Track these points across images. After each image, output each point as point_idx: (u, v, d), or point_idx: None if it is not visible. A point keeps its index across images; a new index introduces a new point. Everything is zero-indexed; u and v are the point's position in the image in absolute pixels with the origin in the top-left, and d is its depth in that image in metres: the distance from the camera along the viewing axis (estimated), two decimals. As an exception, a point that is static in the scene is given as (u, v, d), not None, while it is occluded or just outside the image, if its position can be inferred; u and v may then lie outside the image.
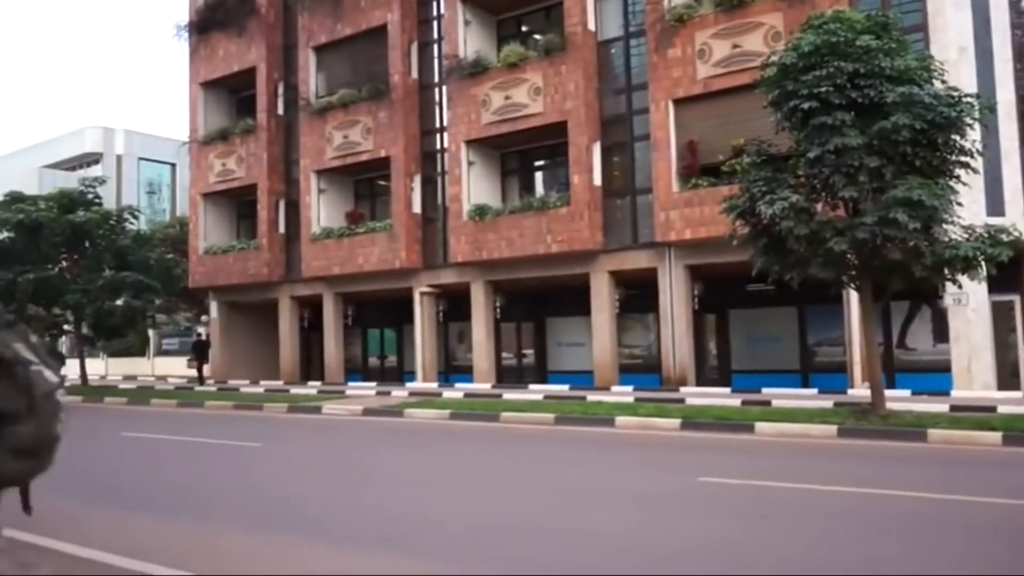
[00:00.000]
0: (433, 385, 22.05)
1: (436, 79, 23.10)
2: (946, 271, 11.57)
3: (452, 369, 24.45)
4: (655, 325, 20.07)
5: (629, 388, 18.53)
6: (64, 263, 24.85)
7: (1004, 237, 11.33)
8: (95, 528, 6.61)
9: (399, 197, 22.76)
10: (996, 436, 10.39)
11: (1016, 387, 15.75)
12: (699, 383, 18.92)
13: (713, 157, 17.58)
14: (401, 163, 22.71)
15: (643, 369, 20.56)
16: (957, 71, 14.49)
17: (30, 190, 29.56)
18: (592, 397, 16.68)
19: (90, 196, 25.00)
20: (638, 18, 19.77)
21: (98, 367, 33.74)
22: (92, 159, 51.82)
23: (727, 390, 17.83)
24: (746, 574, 5.10)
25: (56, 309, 24.49)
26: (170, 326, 35.91)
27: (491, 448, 11.61)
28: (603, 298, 19.86)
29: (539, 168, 22.85)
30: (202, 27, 27.69)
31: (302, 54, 25.19)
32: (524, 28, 22.66)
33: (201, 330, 31.58)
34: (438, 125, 23.01)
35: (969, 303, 15.55)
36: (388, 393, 20.10)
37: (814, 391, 17.01)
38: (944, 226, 11.39)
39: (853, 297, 15.06)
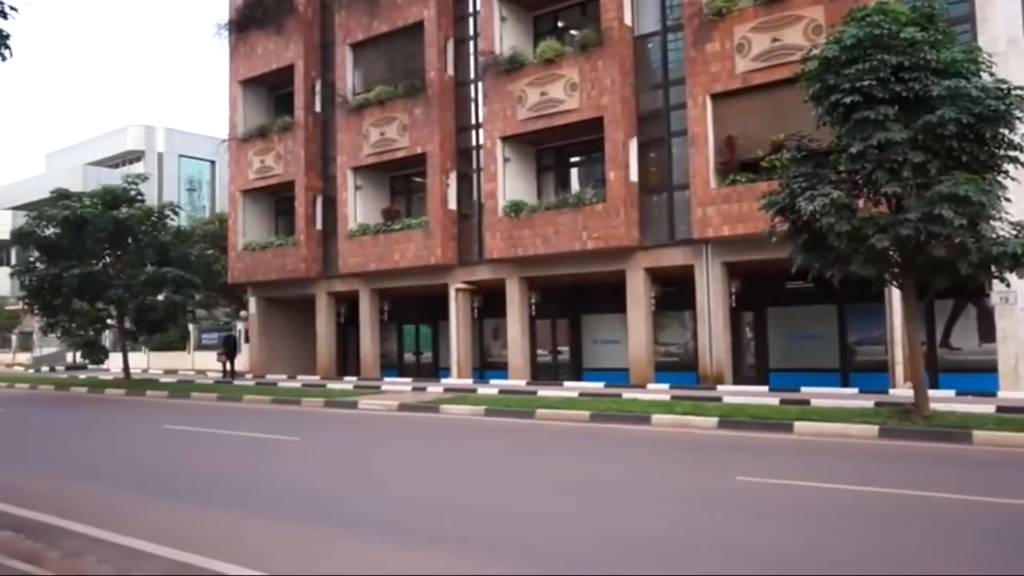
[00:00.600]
0: (468, 381, 22.12)
1: (472, 75, 23.13)
2: (993, 269, 11.29)
3: (487, 365, 24.50)
4: (692, 323, 19.90)
5: (665, 386, 18.40)
6: (108, 259, 25.32)
7: (1054, 234, 11.02)
8: (143, 518, 6.74)
9: (435, 194, 22.84)
10: (1045, 438, 10.12)
11: (1065, 388, 15.33)
12: (736, 381, 18.72)
13: (751, 153, 17.38)
14: (437, 160, 22.79)
15: (679, 367, 20.40)
16: (1006, 63, 14.07)
17: (75, 187, 30.25)
18: (628, 395, 16.60)
19: (133, 193, 25.45)
20: (675, 12, 19.59)
21: (140, 361, 34.39)
22: (134, 156, 52.78)
23: (765, 389, 17.62)
24: (789, 574, 5.03)
25: (100, 304, 24.96)
26: (209, 321, 36.44)
27: (527, 445, 11.60)
28: (639, 295, 19.73)
29: (575, 164, 22.77)
30: (242, 25, 28.05)
31: (339, 51, 25.39)
32: (560, 24, 22.58)
33: (240, 326, 32.04)
34: (474, 121, 23.04)
35: (1017, 302, 15.17)
36: (423, 389, 20.20)
37: (854, 390, 16.73)
38: (991, 223, 11.10)
39: (895, 295, 14.79)
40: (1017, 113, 10.92)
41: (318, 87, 26.54)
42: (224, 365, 26.91)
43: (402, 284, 24.31)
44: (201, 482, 8.71)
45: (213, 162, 51.68)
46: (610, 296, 20.82)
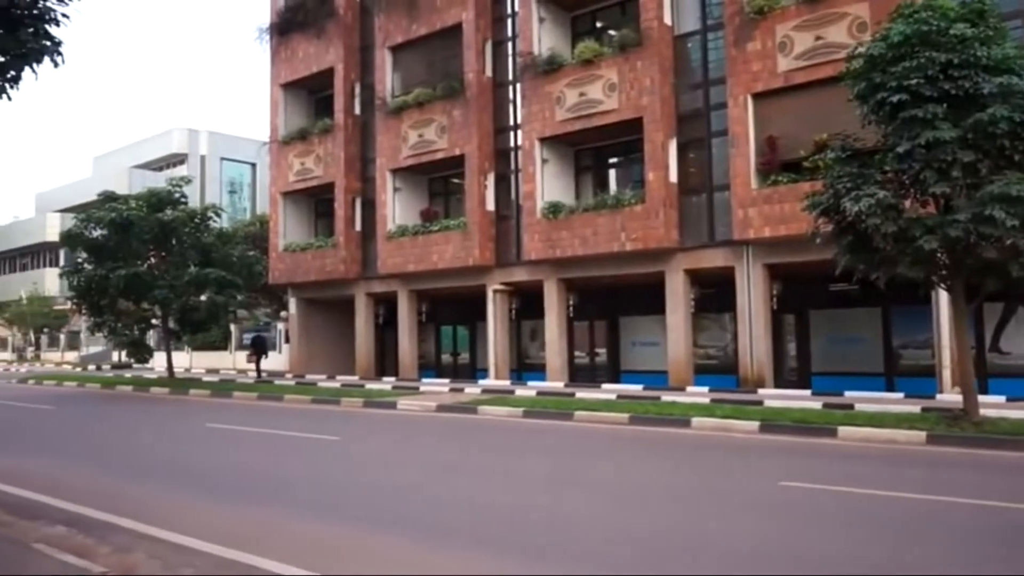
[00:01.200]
0: (505, 382, 22.13)
1: (510, 77, 23.16)
2: (1046, 271, 10.97)
3: (524, 367, 24.49)
4: (732, 325, 19.67)
5: (705, 389, 18.22)
6: (152, 260, 25.79)
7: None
8: (190, 514, 6.84)
9: (473, 195, 22.91)
10: (1102, 446, 9.82)
11: (1122, 394, 14.84)
12: (777, 385, 18.46)
13: (793, 153, 17.15)
14: (475, 161, 22.85)
15: (719, 370, 20.18)
16: (1059, 60, 13.68)
17: (121, 190, 30.88)
18: (667, 397, 16.46)
19: (177, 195, 25.90)
20: (716, 11, 19.40)
21: (183, 360, 35.01)
22: (178, 159, 53.84)
23: (807, 392, 17.34)
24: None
25: (145, 304, 25.43)
26: (250, 321, 36.98)
27: (565, 447, 11.56)
28: (678, 297, 19.57)
29: (613, 165, 22.66)
30: (282, 29, 28.43)
31: (379, 54, 25.60)
32: (599, 24, 22.50)
33: (280, 326, 32.46)
34: (512, 123, 23.06)
35: (1070, 305, 14.73)
36: (461, 390, 20.26)
37: (900, 395, 16.38)
38: (1045, 224, 10.79)
39: (943, 297, 14.48)
40: (1073, 111, 10.61)
41: (357, 90, 26.78)
42: (255, 365, 27.42)
43: (440, 285, 24.42)
44: (246, 480, 8.83)
45: (254, 164, 52.52)
46: (649, 298, 20.67)
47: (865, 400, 15.03)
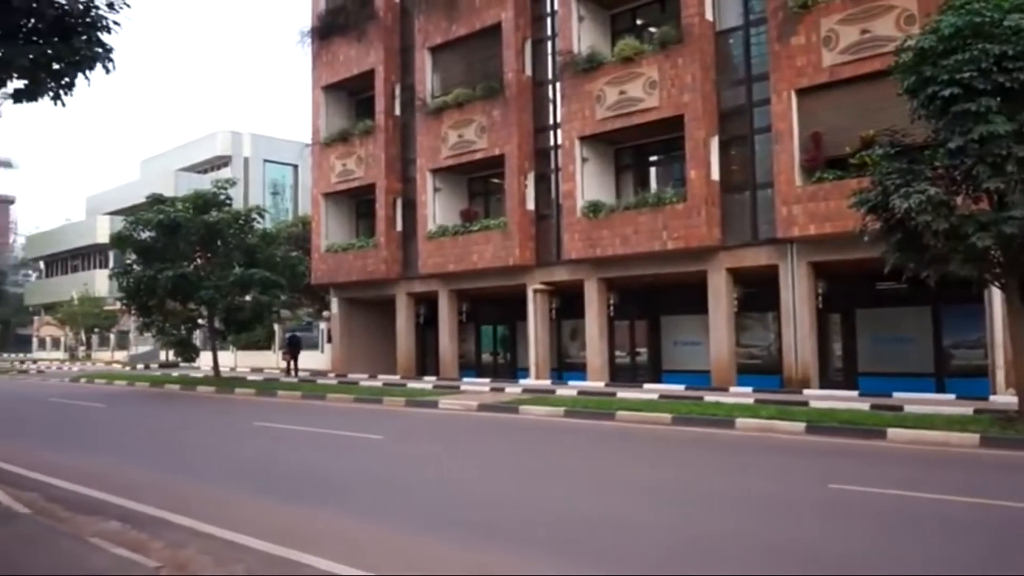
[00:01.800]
0: (546, 382, 22.10)
1: (550, 76, 23.11)
2: (1106, 268, 10.64)
3: (565, 366, 24.43)
4: (775, 324, 19.39)
5: (748, 389, 17.98)
6: (199, 261, 26.29)
7: None
8: (240, 511, 6.96)
9: (513, 194, 22.92)
10: None
11: None
12: (822, 385, 18.13)
13: (839, 149, 16.83)
14: (515, 161, 22.86)
15: (762, 370, 19.91)
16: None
17: (167, 192, 31.52)
18: (709, 397, 16.29)
19: (222, 197, 26.36)
20: (758, 6, 19.12)
21: (228, 359, 35.59)
22: (222, 162, 54.78)
23: (854, 393, 16.98)
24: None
25: (192, 304, 25.93)
26: (293, 321, 37.47)
27: (608, 447, 11.51)
28: (721, 296, 19.35)
29: (654, 163, 22.49)
30: (324, 33, 28.74)
31: (418, 55, 25.74)
32: (639, 21, 22.34)
33: (322, 325, 32.82)
34: (552, 122, 23.02)
35: None
36: (502, 389, 20.28)
37: (950, 396, 15.98)
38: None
39: (996, 296, 14.10)
40: None
41: (398, 91, 26.96)
42: (288, 364, 28.04)
43: (480, 285, 24.48)
44: (293, 478, 8.94)
45: (296, 166, 53.23)
46: (690, 297, 20.47)
47: (914, 401, 14.69)
